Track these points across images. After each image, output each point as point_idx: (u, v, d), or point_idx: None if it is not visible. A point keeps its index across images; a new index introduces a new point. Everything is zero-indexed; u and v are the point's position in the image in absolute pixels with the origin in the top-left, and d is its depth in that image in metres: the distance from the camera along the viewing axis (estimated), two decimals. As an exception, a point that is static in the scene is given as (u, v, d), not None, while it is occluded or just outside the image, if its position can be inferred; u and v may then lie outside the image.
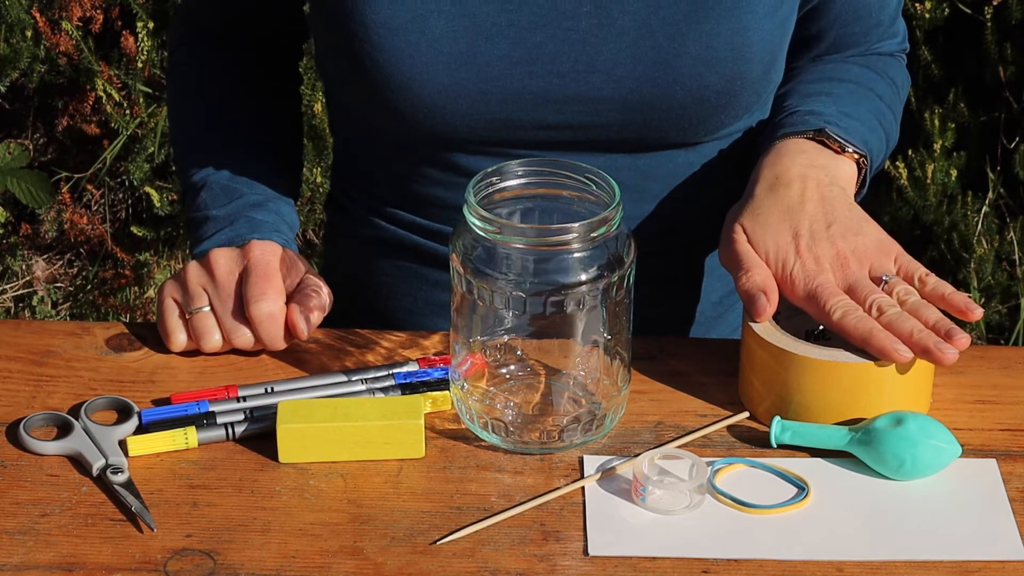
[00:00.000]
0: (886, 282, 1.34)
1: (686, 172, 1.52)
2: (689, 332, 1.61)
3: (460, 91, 1.43)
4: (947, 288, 1.34)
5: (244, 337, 1.40)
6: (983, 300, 2.86)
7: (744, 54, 1.43)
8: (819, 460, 1.31)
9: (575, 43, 1.43)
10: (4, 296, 3.05)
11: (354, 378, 1.38)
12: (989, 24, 2.82)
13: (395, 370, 1.39)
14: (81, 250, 3.13)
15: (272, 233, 1.48)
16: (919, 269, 1.36)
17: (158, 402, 1.37)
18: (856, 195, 1.45)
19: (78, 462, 1.31)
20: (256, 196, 1.52)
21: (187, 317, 1.42)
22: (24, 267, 3.10)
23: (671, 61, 1.42)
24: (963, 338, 1.30)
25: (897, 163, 2.84)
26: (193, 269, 1.43)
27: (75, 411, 1.35)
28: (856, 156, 1.44)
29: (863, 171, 1.46)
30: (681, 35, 1.42)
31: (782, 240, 1.36)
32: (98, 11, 2.96)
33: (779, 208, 1.38)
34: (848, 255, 1.35)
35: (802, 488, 1.28)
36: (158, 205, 2.95)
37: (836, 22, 1.53)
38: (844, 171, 1.43)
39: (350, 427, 1.29)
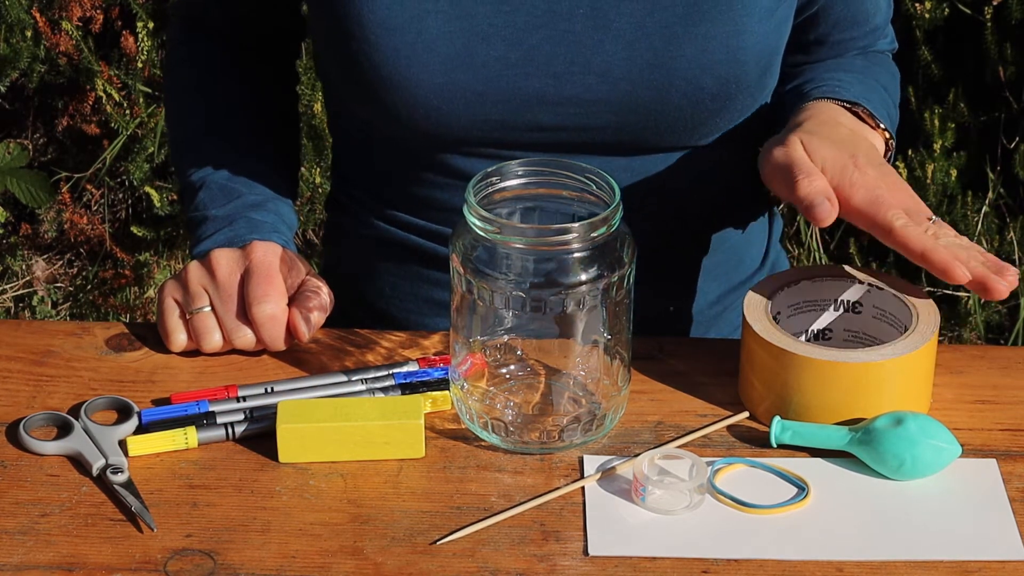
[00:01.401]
0: (934, 223, 1.33)
1: (682, 174, 1.52)
2: (688, 332, 1.61)
3: (456, 92, 1.43)
4: (979, 249, 1.34)
5: (245, 338, 1.40)
6: (983, 300, 2.86)
7: (739, 57, 1.43)
8: (819, 460, 1.31)
9: (571, 44, 1.43)
10: (4, 296, 3.05)
11: (354, 378, 1.38)
12: (989, 24, 2.82)
13: (395, 370, 1.39)
14: (81, 250, 3.13)
15: (272, 234, 1.48)
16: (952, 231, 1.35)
17: (158, 402, 1.37)
18: None
19: (78, 462, 1.31)
20: (255, 196, 1.52)
21: (187, 317, 1.42)
22: (24, 267, 3.10)
23: (666, 63, 1.42)
24: (1013, 274, 1.29)
25: (897, 163, 2.85)
26: (194, 269, 1.43)
27: (75, 411, 1.35)
28: (887, 135, 1.44)
29: (888, 153, 1.46)
30: (676, 37, 1.42)
31: (840, 154, 1.34)
32: (98, 11, 2.96)
33: (832, 137, 1.36)
34: (902, 186, 1.34)
35: (802, 488, 1.28)
36: (158, 205, 2.95)
37: (835, 28, 1.54)
38: (879, 145, 1.43)
39: (350, 427, 1.29)
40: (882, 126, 1.44)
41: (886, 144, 1.45)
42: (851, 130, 1.40)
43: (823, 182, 1.32)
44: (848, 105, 1.44)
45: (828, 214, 1.30)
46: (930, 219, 1.32)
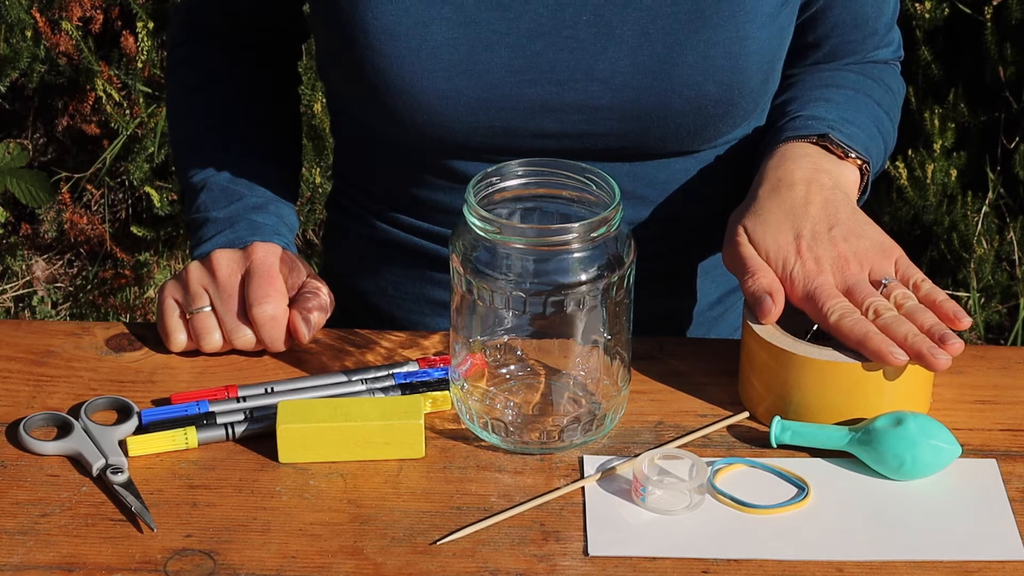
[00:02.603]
0: (885, 285, 1.34)
1: (683, 178, 1.52)
2: (688, 332, 1.61)
3: (459, 98, 1.43)
4: (940, 295, 1.34)
5: (245, 338, 1.40)
6: (983, 300, 2.86)
7: (741, 63, 1.43)
8: (819, 460, 1.31)
9: (574, 51, 1.43)
10: (4, 296, 3.05)
11: (354, 378, 1.38)
12: (989, 24, 2.82)
13: (395, 370, 1.39)
14: (81, 250, 3.13)
15: (273, 236, 1.48)
16: (916, 274, 1.36)
17: (158, 402, 1.37)
18: (857, 201, 1.45)
19: (78, 462, 1.31)
20: (256, 198, 1.52)
21: (187, 317, 1.42)
22: (24, 267, 3.10)
23: (669, 70, 1.42)
24: (956, 343, 1.30)
25: (897, 163, 2.85)
26: (194, 269, 1.43)
27: (75, 411, 1.35)
28: (859, 162, 1.44)
29: (865, 177, 1.46)
30: (679, 44, 1.42)
31: (783, 240, 1.36)
32: (98, 11, 2.96)
33: (782, 209, 1.38)
34: (849, 257, 1.35)
35: (802, 488, 1.28)
36: (158, 205, 2.95)
37: (834, 31, 1.54)
38: (847, 176, 1.43)
39: (350, 427, 1.29)
40: (852, 155, 1.44)
41: (860, 170, 1.45)
42: (806, 188, 1.39)
43: (767, 278, 1.35)
44: (816, 139, 1.44)
45: (769, 311, 1.34)
46: (883, 282, 1.34)
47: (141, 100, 2.95)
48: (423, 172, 1.52)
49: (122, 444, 1.32)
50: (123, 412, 1.36)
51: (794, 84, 1.55)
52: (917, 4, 2.84)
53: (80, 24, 2.94)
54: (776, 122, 1.50)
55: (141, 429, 1.33)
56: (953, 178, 2.84)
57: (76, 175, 3.09)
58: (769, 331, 1.33)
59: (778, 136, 1.46)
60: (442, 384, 1.37)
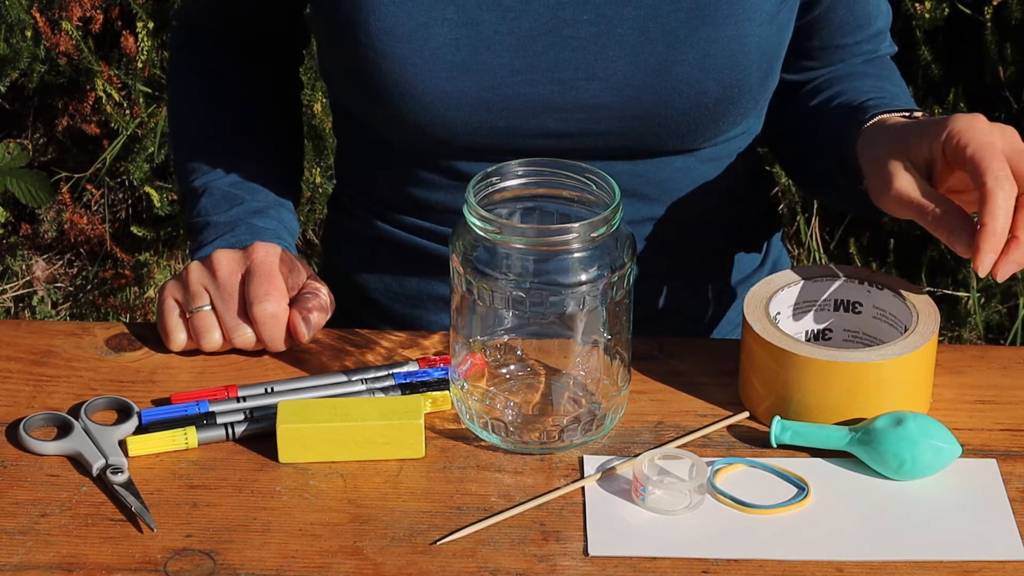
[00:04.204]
0: None
1: (684, 176, 1.52)
2: (688, 331, 1.61)
3: (462, 99, 1.43)
4: None
5: (245, 336, 1.40)
6: (983, 300, 2.86)
7: (741, 61, 1.44)
8: (819, 460, 1.31)
9: (575, 51, 1.43)
10: (4, 296, 3.05)
11: (354, 378, 1.38)
12: (989, 24, 2.82)
13: (395, 370, 1.39)
14: (81, 250, 3.13)
15: (273, 240, 1.48)
16: None
17: (158, 402, 1.37)
18: None
19: (78, 462, 1.31)
20: (257, 203, 1.52)
21: (187, 316, 1.42)
22: (24, 267, 3.10)
23: (669, 68, 1.43)
24: None
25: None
26: (195, 269, 1.43)
27: (75, 411, 1.35)
28: None
29: None
30: (679, 42, 1.42)
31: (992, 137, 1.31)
32: (98, 11, 2.96)
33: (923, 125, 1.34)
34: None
35: (802, 488, 1.28)
36: (158, 205, 2.95)
37: (837, 32, 1.54)
38: None
39: (350, 427, 1.29)
40: None
41: None
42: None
43: (954, 213, 1.29)
44: (909, 115, 1.43)
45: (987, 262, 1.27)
46: None
47: (141, 100, 2.95)
48: (425, 172, 1.52)
49: (122, 444, 1.32)
50: (123, 412, 1.36)
51: (830, 83, 1.52)
52: (917, 4, 2.84)
53: (80, 24, 2.94)
54: (848, 106, 1.47)
55: (141, 429, 1.34)
56: (953, 178, 2.83)
57: (76, 175, 3.09)
58: (769, 331, 1.33)
59: (862, 115, 1.42)
60: (442, 384, 1.37)
